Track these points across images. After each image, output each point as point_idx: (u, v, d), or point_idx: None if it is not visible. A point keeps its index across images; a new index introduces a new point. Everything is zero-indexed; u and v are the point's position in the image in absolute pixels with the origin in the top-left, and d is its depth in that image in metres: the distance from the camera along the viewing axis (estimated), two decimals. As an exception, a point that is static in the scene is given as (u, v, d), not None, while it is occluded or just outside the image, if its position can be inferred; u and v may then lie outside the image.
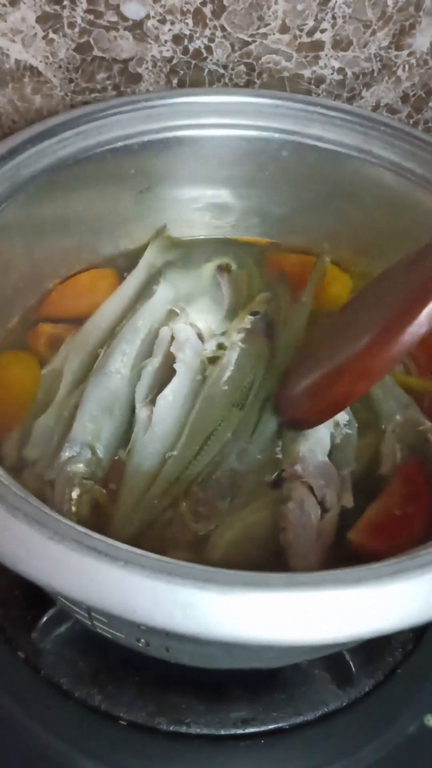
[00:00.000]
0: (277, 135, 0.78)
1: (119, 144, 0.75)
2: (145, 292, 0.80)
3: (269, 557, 0.62)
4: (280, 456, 0.68)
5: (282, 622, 0.43)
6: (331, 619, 0.44)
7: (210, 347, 0.75)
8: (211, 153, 0.80)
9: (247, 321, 0.76)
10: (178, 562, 0.45)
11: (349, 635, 0.44)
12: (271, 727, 0.66)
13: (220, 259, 0.84)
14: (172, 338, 0.74)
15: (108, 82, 0.86)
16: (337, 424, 0.69)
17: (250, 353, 0.74)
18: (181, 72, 0.86)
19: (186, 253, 0.86)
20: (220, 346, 0.75)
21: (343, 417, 0.70)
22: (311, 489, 0.64)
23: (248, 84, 0.88)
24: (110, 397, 0.70)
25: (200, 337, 0.76)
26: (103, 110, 0.74)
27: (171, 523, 0.64)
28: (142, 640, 0.57)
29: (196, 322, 0.77)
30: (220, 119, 0.78)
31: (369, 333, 0.57)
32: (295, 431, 0.66)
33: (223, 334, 0.77)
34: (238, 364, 0.72)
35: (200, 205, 0.85)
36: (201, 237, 0.88)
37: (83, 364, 0.73)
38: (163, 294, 0.79)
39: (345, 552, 0.62)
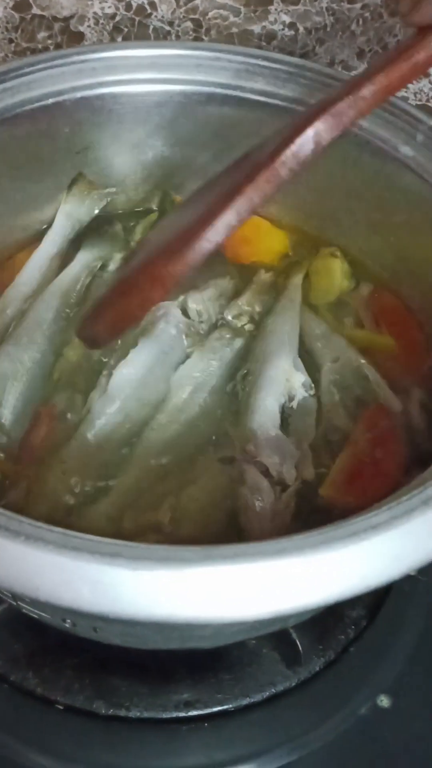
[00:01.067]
0: (218, 90, 0.74)
1: (50, 101, 0.71)
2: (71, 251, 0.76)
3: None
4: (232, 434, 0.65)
5: (195, 599, 0.40)
6: (247, 595, 0.40)
7: (203, 326, 0.73)
8: (150, 110, 0.76)
9: (243, 317, 0.74)
10: (85, 536, 0.42)
11: (264, 612, 0.40)
12: (215, 709, 0.64)
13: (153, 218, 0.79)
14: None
15: (50, 41, 0.82)
16: (290, 392, 0.65)
17: (233, 349, 0.72)
18: (125, 29, 0.82)
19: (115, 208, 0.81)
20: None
21: (297, 380, 0.66)
22: (266, 469, 0.61)
23: (197, 41, 0.83)
24: (16, 367, 0.67)
25: (186, 313, 0.73)
26: (32, 65, 0.70)
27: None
28: (68, 621, 0.54)
29: (191, 299, 0.74)
30: (158, 74, 0.74)
31: (173, 237, 0.54)
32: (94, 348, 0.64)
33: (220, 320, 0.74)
34: (217, 356, 0.71)
35: (141, 167, 0.80)
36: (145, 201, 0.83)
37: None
38: (82, 258, 0.75)
39: (321, 510, 0.60)
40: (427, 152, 0.67)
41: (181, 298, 0.73)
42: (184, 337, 0.70)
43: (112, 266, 0.77)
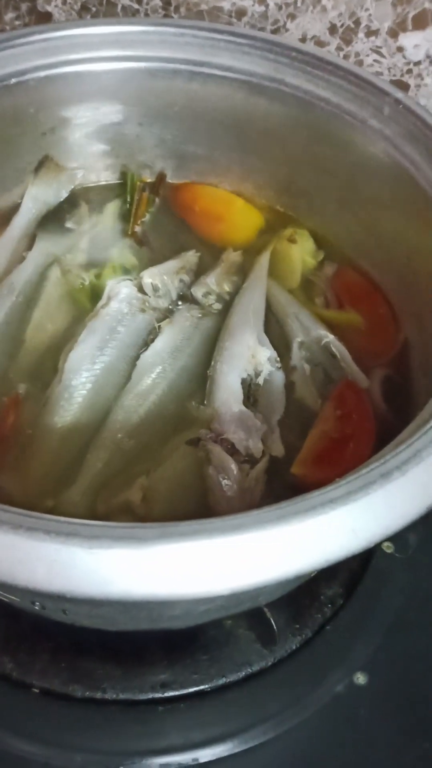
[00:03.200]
0: (184, 66, 0.74)
1: (13, 81, 0.70)
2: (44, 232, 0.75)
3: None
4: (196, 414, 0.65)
5: (151, 576, 0.40)
6: (203, 571, 0.40)
7: (161, 301, 0.72)
8: (115, 89, 0.75)
9: (211, 296, 0.74)
10: (41, 515, 0.42)
11: (221, 588, 0.40)
12: (191, 690, 0.64)
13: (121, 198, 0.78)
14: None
15: (17, 22, 0.82)
16: (256, 368, 0.65)
17: (201, 328, 0.71)
18: (93, 9, 0.81)
19: (83, 191, 0.80)
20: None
21: (262, 355, 0.66)
22: (233, 446, 0.60)
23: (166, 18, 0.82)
24: None
25: (143, 289, 0.73)
26: (-8, 43, 0.68)
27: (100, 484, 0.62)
28: (37, 603, 0.54)
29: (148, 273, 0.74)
30: (121, 51, 0.73)
31: None
32: None
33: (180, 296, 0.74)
34: (184, 335, 0.70)
35: (110, 148, 0.80)
36: (113, 183, 0.82)
37: None
38: (35, 257, 0.75)
39: (293, 488, 0.57)
40: (395, 125, 0.66)
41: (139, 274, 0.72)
42: (140, 313, 0.69)
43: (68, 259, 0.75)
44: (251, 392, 0.65)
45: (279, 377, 0.66)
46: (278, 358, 0.67)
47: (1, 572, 0.41)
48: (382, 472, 0.44)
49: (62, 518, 0.42)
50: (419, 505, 0.44)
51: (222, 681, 0.64)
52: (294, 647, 0.66)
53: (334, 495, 0.43)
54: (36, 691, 0.64)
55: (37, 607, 0.55)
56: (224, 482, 0.58)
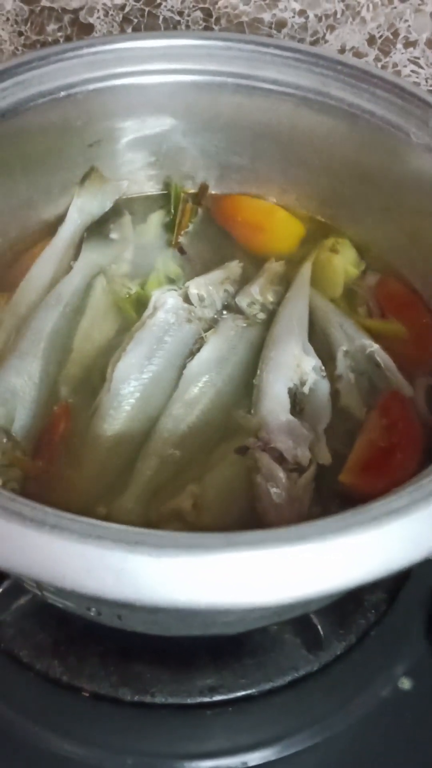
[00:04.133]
0: (230, 80, 0.74)
1: (62, 94, 0.71)
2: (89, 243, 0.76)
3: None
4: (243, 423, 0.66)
5: (218, 585, 0.41)
6: (269, 581, 0.41)
7: (207, 311, 0.73)
8: (161, 101, 0.76)
9: (255, 306, 0.74)
10: (109, 525, 0.43)
11: (285, 597, 0.41)
12: (239, 694, 0.64)
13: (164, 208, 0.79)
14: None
15: (59, 33, 0.83)
16: (301, 377, 0.66)
17: (246, 337, 0.72)
18: (135, 20, 0.82)
19: (127, 202, 0.81)
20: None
21: (307, 364, 0.67)
22: (281, 454, 0.61)
23: (206, 31, 0.83)
24: (21, 376, 0.67)
25: (188, 299, 0.73)
26: (43, 58, 0.70)
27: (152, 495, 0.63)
28: (93, 609, 0.55)
29: (194, 284, 0.74)
30: (168, 64, 0.74)
31: None
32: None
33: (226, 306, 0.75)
34: (230, 345, 0.71)
35: (155, 159, 0.81)
36: (156, 193, 0.83)
37: (8, 336, 0.70)
38: (81, 267, 0.75)
39: (341, 496, 0.61)
40: (439, 138, 0.67)
41: (185, 284, 0.73)
42: (187, 323, 0.70)
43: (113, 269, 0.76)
44: (297, 401, 0.65)
45: (324, 386, 0.67)
46: (323, 367, 0.67)
47: (71, 581, 0.41)
48: (443, 481, 0.45)
49: (129, 527, 0.43)
50: None
51: (269, 686, 0.65)
52: (339, 652, 0.67)
53: (395, 505, 0.44)
54: (86, 694, 0.64)
55: (92, 613, 0.56)
56: (273, 490, 0.59)
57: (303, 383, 0.66)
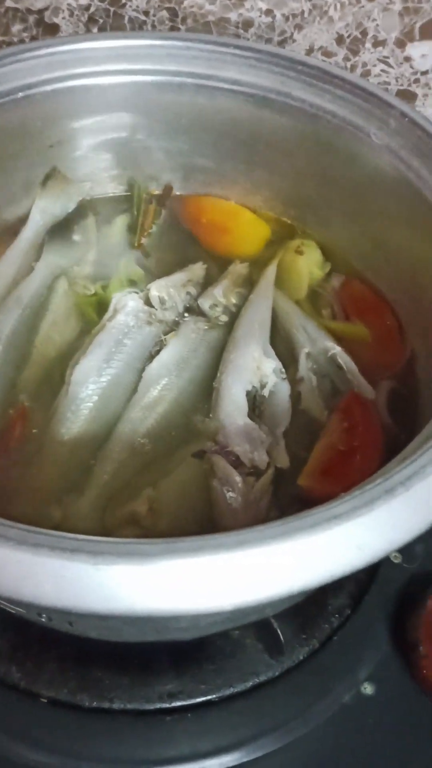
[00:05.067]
0: (190, 80, 0.74)
1: (20, 95, 0.70)
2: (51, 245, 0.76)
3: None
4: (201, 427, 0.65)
5: (155, 592, 0.40)
6: (206, 587, 0.40)
7: (168, 314, 0.72)
8: (122, 102, 0.75)
9: (218, 308, 0.74)
10: (47, 532, 0.42)
11: (225, 603, 0.40)
12: (199, 699, 0.64)
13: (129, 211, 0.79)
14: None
15: (25, 34, 0.82)
16: (261, 380, 0.65)
17: (207, 340, 0.72)
18: (100, 20, 0.82)
19: (92, 203, 0.81)
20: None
21: (267, 366, 0.66)
22: (237, 458, 0.61)
23: (172, 31, 0.83)
24: None
25: (150, 302, 0.73)
26: (0, 58, 0.69)
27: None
28: (44, 616, 0.54)
29: (155, 286, 0.74)
30: (127, 65, 0.73)
31: None
32: None
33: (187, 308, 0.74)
34: (190, 347, 0.71)
35: (116, 160, 0.80)
36: (120, 195, 0.83)
37: None
38: (42, 269, 0.75)
39: (300, 500, 0.60)
40: (400, 138, 0.66)
41: (147, 286, 0.73)
42: (147, 326, 0.69)
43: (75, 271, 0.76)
44: (257, 404, 0.65)
45: (284, 388, 0.66)
46: (283, 370, 0.67)
47: (9, 588, 0.41)
48: (387, 487, 0.44)
49: (68, 534, 0.43)
50: (423, 521, 0.44)
51: (229, 691, 0.65)
52: (301, 657, 0.66)
53: (338, 511, 0.43)
54: (44, 700, 0.64)
55: (44, 619, 0.56)
56: (229, 494, 0.58)
57: (263, 386, 0.66)
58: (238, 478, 0.59)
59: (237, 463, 0.60)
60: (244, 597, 0.41)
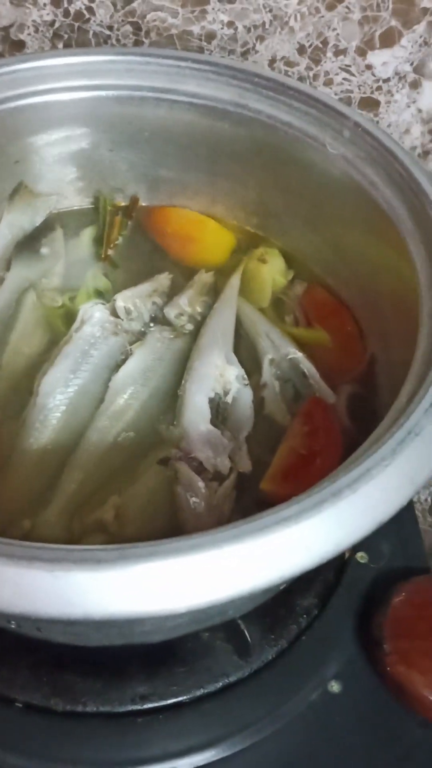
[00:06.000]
0: (150, 94, 0.75)
1: (-18, 113, 0.71)
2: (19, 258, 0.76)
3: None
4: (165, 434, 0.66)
5: (111, 597, 0.42)
6: (160, 592, 0.42)
7: (134, 324, 0.74)
8: (84, 117, 0.77)
9: (183, 317, 0.75)
10: (4, 540, 0.43)
11: (177, 606, 0.42)
12: (170, 701, 0.65)
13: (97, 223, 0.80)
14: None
15: (-9, 50, 0.83)
16: (224, 386, 0.67)
17: (172, 349, 0.73)
18: (65, 36, 0.83)
19: (59, 216, 0.82)
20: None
21: (230, 373, 0.68)
22: (200, 464, 0.62)
23: (136, 44, 0.84)
24: None
25: (116, 312, 0.75)
26: (-38, 77, 0.70)
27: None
28: (13, 622, 0.56)
29: (121, 297, 0.75)
30: (89, 80, 0.74)
31: None
32: None
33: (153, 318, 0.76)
34: (156, 356, 0.72)
35: (82, 173, 0.82)
36: (86, 207, 0.84)
37: None
38: (10, 284, 0.77)
39: (263, 504, 0.59)
40: (354, 147, 0.68)
41: (113, 298, 0.74)
42: (113, 336, 0.71)
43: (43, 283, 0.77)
44: (220, 410, 0.66)
45: (246, 394, 0.68)
46: (245, 376, 0.68)
47: (-32, 596, 0.42)
48: (333, 490, 0.46)
49: (25, 542, 0.44)
50: (370, 521, 0.46)
51: (200, 692, 0.66)
52: (270, 657, 0.68)
53: (286, 514, 0.44)
54: (18, 705, 0.65)
55: (13, 626, 0.57)
56: (192, 500, 0.60)
57: (226, 392, 0.67)
58: (201, 484, 0.60)
59: (200, 469, 0.62)
60: (197, 599, 0.43)
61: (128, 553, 0.43)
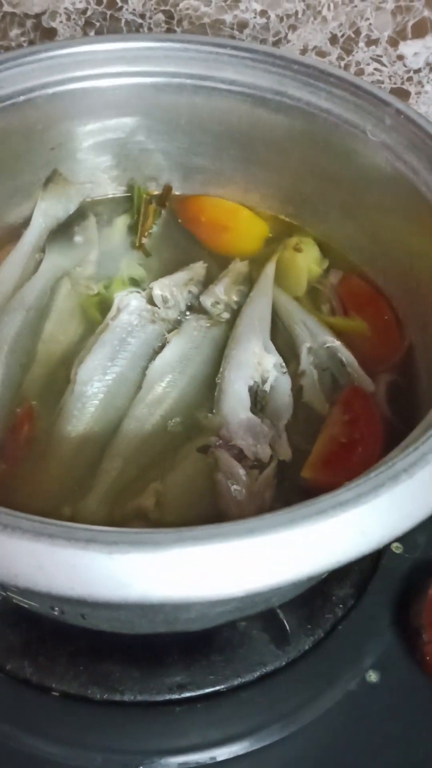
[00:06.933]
0: (188, 81, 0.75)
1: (22, 98, 0.71)
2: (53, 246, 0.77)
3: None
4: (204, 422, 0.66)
5: (168, 580, 0.42)
6: (218, 574, 0.41)
7: (171, 312, 0.73)
8: (121, 104, 0.76)
9: (219, 306, 0.75)
10: (61, 523, 0.43)
11: (236, 590, 0.42)
12: (207, 690, 0.65)
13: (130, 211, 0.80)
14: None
15: (23, 38, 0.83)
16: (262, 375, 0.66)
17: (209, 337, 0.72)
18: (97, 24, 0.83)
19: (92, 205, 0.82)
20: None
21: (268, 361, 0.68)
22: (241, 451, 0.62)
23: (169, 33, 0.84)
24: None
25: (152, 301, 0.74)
26: (1, 62, 0.70)
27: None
28: (56, 609, 0.55)
29: (158, 285, 0.75)
30: (126, 67, 0.74)
31: None
32: None
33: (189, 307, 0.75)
34: (193, 345, 0.72)
35: (117, 161, 0.82)
36: (120, 196, 0.84)
37: None
38: (45, 271, 0.76)
39: (303, 491, 0.60)
40: (396, 134, 0.68)
41: (149, 285, 0.74)
42: (150, 324, 0.70)
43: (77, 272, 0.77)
44: (259, 398, 0.66)
45: (285, 382, 0.67)
46: (284, 364, 0.68)
47: (24, 579, 0.42)
48: (390, 475, 0.45)
49: (81, 525, 0.44)
50: (426, 506, 0.45)
51: (237, 681, 0.65)
52: (307, 647, 0.67)
53: (343, 498, 0.44)
54: (56, 694, 0.65)
55: (56, 612, 0.56)
56: (233, 487, 0.59)
57: (264, 380, 0.67)
58: (241, 471, 0.60)
59: (240, 456, 0.61)
60: (254, 583, 0.42)
61: (186, 535, 0.43)
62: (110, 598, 0.42)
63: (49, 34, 0.83)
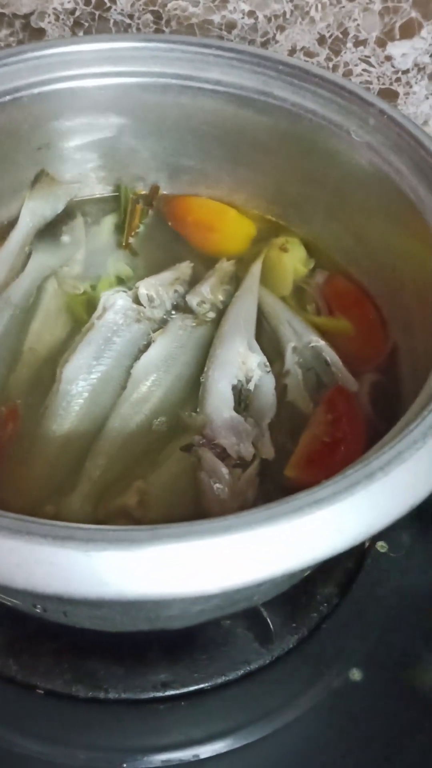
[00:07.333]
0: (174, 81, 0.75)
1: (7, 98, 0.72)
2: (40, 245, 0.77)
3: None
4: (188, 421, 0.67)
5: (144, 577, 0.42)
6: (193, 572, 0.42)
7: (156, 312, 0.73)
8: (107, 104, 0.76)
9: (205, 305, 0.75)
10: (39, 520, 0.43)
11: (211, 587, 0.42)
12: (192, 688, 0.65)
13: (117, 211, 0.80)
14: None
15: (11, 38, 0.83)
16: (246, 374, 0.67)
17: (194, 336, 0.73)
18: (86, 24, 0.83)
19: (80, 204, 0.82)
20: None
21: (252, 361, 0.68)
22: (224, 450, 0.62)
23: (157, 33, 0.84)
24: None
25: (138, 300, 0.74)
26: (-14, 63, 0.70)
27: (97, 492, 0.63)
28: (38, 607, 0.56)
29: (144, 284, 0.75)
30: (113, 67, 0.74)
31: None
32: None
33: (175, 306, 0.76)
34: (178, 344, 0.72)
35: (103, 161, 0.82)
36: (107, 195, 0.84)
37: None
38: (31, 270, 0.76)
39: (286, 490, 0.59)
40: (380, 135, 0.68)
41: (135, 284, 0.74)
42: (136, 323, 0.71)
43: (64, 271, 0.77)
44: (243, 397, 0.66)
45: (269, 382, 0.68)
46: (267, 363, 0.69)
47: (2, 576, 0.42)
48: (366, 473, 0.46)
49: (59, 522, 0.44)
50: (402, 504, 0.46)
51: (221, 679, 0.66)
52: (291, 645, 0.68)
53: (320, 496, 0.44)
54: (40, 692, 0.65)
55: (38, 610, 0.57)
56: (216, 486, 0.60)
57: (248, 380, 0.67)
58: (224, 470, 0.60)
59: (223, 455, 0.62)
60: (231, 580, 0.43)
61: (162, 533, 0.43)
62: (87, 596, 0.42)
63: (38, 35, 0.83)
